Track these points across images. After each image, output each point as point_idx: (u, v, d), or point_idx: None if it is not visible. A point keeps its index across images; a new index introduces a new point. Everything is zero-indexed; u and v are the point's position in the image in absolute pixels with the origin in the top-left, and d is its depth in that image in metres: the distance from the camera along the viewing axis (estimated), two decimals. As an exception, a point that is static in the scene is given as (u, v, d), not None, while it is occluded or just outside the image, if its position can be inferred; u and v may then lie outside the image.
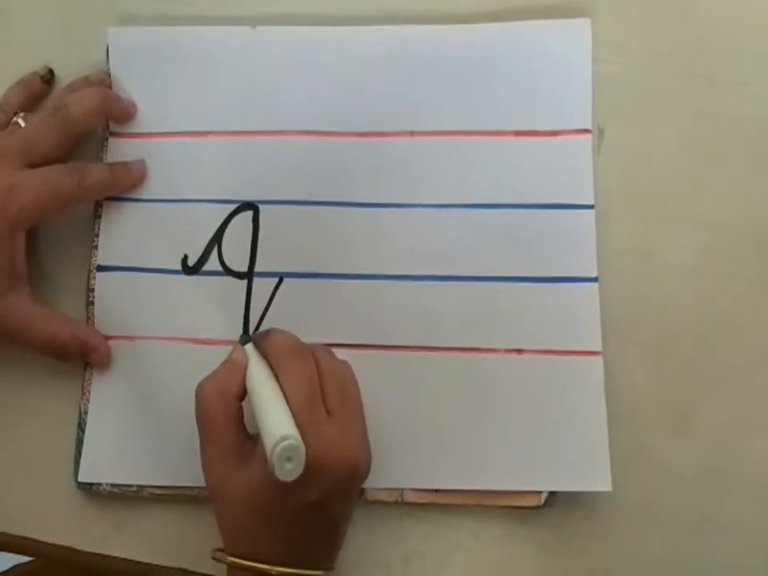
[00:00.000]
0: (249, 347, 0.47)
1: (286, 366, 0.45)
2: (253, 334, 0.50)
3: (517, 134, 0.52)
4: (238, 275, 0.52)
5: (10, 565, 0.73)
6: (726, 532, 0.49)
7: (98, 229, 0.53)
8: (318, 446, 0.42)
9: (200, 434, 0.45)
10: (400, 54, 0.53)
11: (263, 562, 0.44)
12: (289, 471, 0.40)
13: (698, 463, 0.50)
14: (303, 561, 0.45)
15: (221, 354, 0.50)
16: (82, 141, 0.53)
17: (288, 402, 0.43)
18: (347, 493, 0.45)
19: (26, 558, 0.65)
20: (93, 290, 0.53)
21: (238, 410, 0.45)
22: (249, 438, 0.45)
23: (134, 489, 0.50)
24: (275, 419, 0.42)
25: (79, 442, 0.51)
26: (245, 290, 0.52)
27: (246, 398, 0.45)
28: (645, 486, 0.50)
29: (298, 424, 0.42)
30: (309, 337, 0.49)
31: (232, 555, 0.45)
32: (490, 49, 0.53)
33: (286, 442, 0.40)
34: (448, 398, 0.50)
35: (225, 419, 0.45)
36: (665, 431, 0.50)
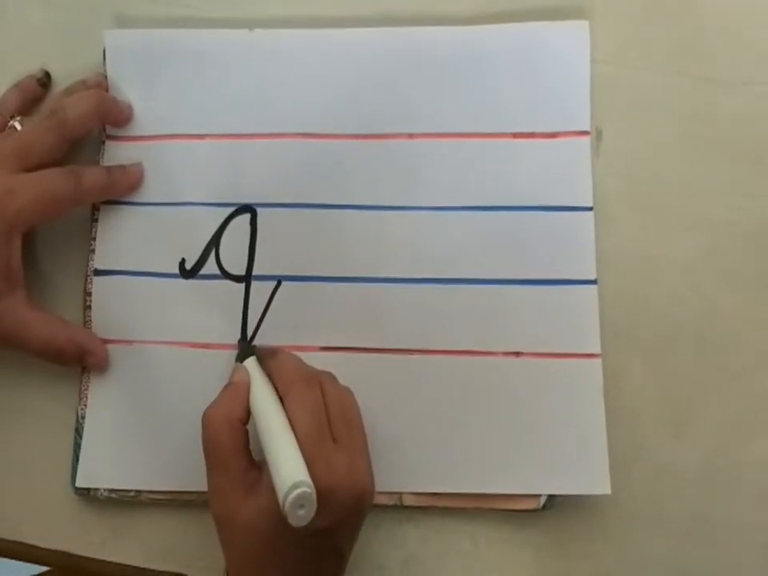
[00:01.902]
0: (249, 362, 0.47)
1: (293, 392, 0.45)
2: (258, 347, 0.50)
3: (515, 135, 0.52)
4: (236, 278, 0.52)
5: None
6: (726, 533, 0.49)
7: (95, 232, 0.53)
8: (327, 476, 0.42)
9: (207, 462, 0.45)
10: (398, 56, 0.53)
11: None
12: (301, 517, 0.40)
13: (698, 464, 0.50)
14: None
15: (219, 357, 0.50)
16: (78, 144, 0.53)
17: (295, 431, 0.43)
18: (353, 520, 0.45)
19: (38, 569, 0.64)
20: (90, 294, 0.52)
21: (244, 436, 0.45)
22: (254, 465, 0.45)
23: (132, 494, 0.50)
24: (286, 462, 0.41)
25: (76, 447, 0.51)
26: (243, 294, 0.52)
27: (251, 420, 0.45)
28: (644, 488, 0.50)
29: (306, 453, 0.42)
30: (306, 340, 0.49)
31: None
32: (488, 50, 0.53)
33: (299, 491, 0.40)
34: (446, 401, 0.50)
35: (232, 447, 0.44)
36: (664, 432, 0.50)
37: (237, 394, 0.46)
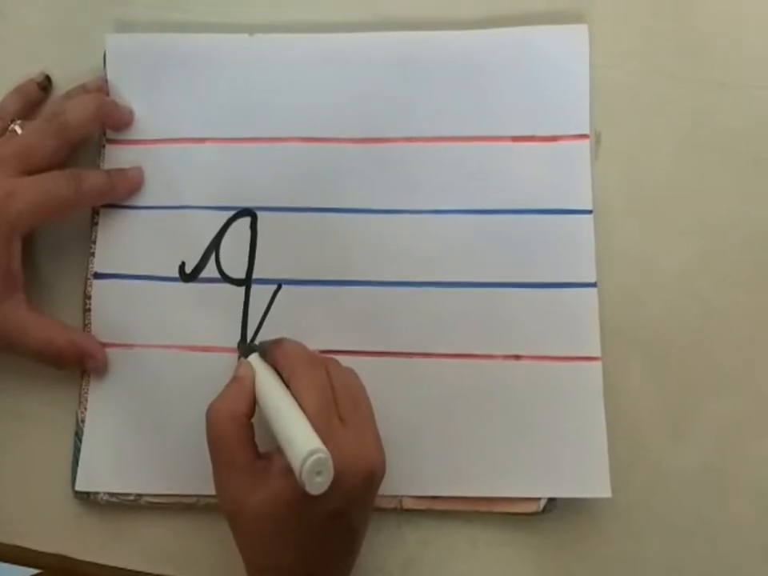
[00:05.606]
0: (253, 358, 0.47)
1: (300, 374, 0.45)
2: (260, 342, 0.50)
3: (515, 139, 0.52)
4: (236, 282, 0.52)
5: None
6: (726, 535, 0.49)
7: (95, 236, 0.53)
8: (337, 455, 0.41)
9: (213, 457, 0.45)
10: (398, 60, 0.53)
11: (285, 571, 0.44)
12: (318, 484, 0.40)
13: (697, 466, 0.50)
14: (323, 567, 0.45)
15: (219, 361, 0.50)
16: (79, 148, 0.53)
17: (304, 411, 0.43)
18: (365, 498, 0.45)
19: (30, 571, 0.64)
20: (90, 298, 0.52)
21: (250, 429, 0.45)
22: (261, 456, 0.45)
23: (132, 497, 0.50)
24: (299, 433, 0.42)
25: (76, 451, 0.51)
26: (243, 297, 0.52)
27: (257, 414, 0.45)
28: (644, 490, 0.50)
29: (316, 433, 0.42)
30: (307, 344, 0.49)
31: (254, 571, 0.45)
32: (487, 54, 0.53)
33: (315, 456, 0.40)
34: (446, 405, 0.50)
35: (238, 441, 0.44)
36: (664, 435, 0.50)
37: (241, 387, 0.46)
